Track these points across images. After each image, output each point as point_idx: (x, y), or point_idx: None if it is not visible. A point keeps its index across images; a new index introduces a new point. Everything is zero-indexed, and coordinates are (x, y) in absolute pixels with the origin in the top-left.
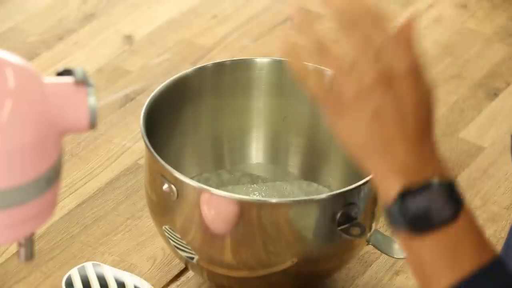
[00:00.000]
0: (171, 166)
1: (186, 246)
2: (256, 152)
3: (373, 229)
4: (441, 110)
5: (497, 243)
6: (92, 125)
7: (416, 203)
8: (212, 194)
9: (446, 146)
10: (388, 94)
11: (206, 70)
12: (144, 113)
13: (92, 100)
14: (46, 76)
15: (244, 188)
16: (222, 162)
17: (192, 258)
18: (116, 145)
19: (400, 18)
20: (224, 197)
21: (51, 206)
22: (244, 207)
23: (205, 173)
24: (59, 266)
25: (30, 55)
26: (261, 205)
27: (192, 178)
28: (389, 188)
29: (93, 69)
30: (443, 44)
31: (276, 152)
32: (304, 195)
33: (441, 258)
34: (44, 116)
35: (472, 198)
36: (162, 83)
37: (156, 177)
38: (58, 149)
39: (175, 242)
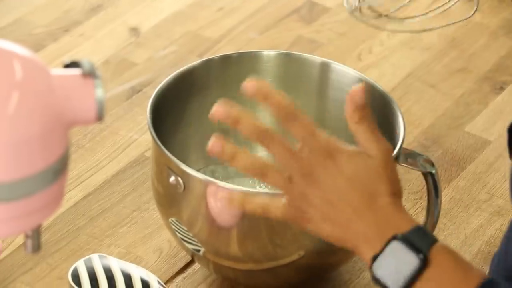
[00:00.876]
0: (178, 158)
1: (193, 239)
2: None
3: None
4: (447, 104)
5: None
6: (100, 117)
7: (384, 265)
8: (218, 186)
9: (452, 139)
10: (317, 186)
11: (213, 62)
12: (151, 105)
13: (99, 92)
14: (53, 68)
15: (250, 181)
16: None
17: (199, 251)
18: (122, 137)
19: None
20: (230, 189)
21: (58, 198)
22: (249, 198)
23: (211, 165)
24: (65, 258)
25: (36, 47)
26: (267, 197)
27: (198, 170)
28: (363, 257)
29: (99, 61)
30: (449, 37)
31: None
32: None
33: None
34: (51, 108)
35: (478, 191)
36: (168, 75)
37: (162, 169)
38: (65, 141)
39: (182, 235)
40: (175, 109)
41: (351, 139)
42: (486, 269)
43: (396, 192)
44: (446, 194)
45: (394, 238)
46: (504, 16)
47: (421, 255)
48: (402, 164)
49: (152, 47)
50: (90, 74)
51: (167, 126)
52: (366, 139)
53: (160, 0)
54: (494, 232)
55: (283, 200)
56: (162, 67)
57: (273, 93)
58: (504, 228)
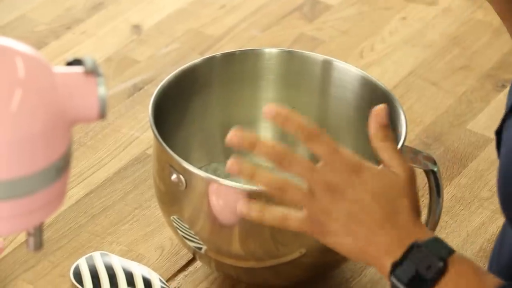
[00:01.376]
0: (180, 156)
1: (194, 236)
2: None
3: None
4: (449, 102)
5: None
6: (102, 114)
7: (406, 270)
8: (220, 184)
9: (454, 137)
10: (341, 201)
11: (215, 60)
12: (153, 102)
13: (102, 90)
14: (55, 66)
15: None
16: (230, 152)
17: (200, 248)
18: (124, 134)
19: None
20: (232, 187)
21: (61, 196)
22: (252, 198)
23: (214, 163)
24: (67, 256)
25: (39, 44)
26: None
27: (200, 168)
28: (383, 269)
29: (101, 58)
30: (451, 35)
31: (284, 143)
32: None
33: None
34: (54, 105)
35: (480, 189)
36: (170, 72)
37: (164, 167)
38: (68, 139)
39: (183, 232)
40: (177, 107)
41: (353, 136)
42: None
43: (417, 210)
44: (447, 192)
45: (415, 245)
46: None
47: (442, 261)
48: None
49: (154, 45)
50: (92, 71)
51: (169, 124)
52: (391, 157)
53: None
54: (496, 230)
55: (302, 213)
56: (164, 65)
57: (292, 116)
58: None
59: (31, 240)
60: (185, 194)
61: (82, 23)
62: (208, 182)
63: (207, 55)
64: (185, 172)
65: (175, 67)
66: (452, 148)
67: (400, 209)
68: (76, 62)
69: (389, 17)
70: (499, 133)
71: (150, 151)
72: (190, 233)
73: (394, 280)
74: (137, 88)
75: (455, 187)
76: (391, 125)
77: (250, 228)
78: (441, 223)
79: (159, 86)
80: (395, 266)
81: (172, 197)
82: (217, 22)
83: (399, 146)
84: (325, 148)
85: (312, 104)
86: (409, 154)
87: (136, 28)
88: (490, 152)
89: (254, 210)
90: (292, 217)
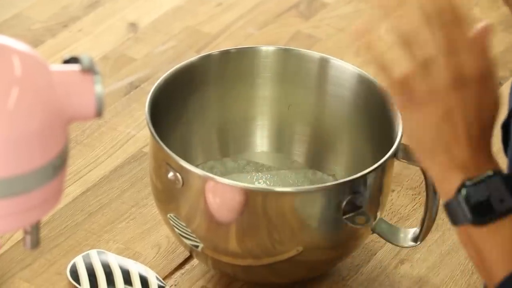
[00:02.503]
0: (176, 154)
1: (191, 234)
2: (261, 141)
3: (378, 218)
4: None
5: None
6: (99, 113)
7: (478, 192)
8: (217, 182)
9: None
10: (459, 96)
11: (211, 58)
12: (149, 100)
13: (99, 88)
14: (52, 64)
15: (249, 177)
16: (227, 150)
17: (197, 246)
18: (120, 132)
19: (477, 23)
20: (229, 185)
21: (58, 194)
22: (249, 196)
23: (210, 161)
24: (64, 254)
25: (35, 43)
26: (266, 193)
27: (197, 166)
28: (450, 183)
29: (97, 56)
30: None
31: (281, 141)
32: (309, 184)
33: (501, 249)
34: (51, 103)
35: None
36: (167, 70)
37: (161, 165)
38: (65, 137)
39: (180, 230)
40: (174, 104)
41: (350, 135)
42: None
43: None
44: None
45: (496, 173)
46: (503, 11)
47: None
48: (401, 160)
49: (150, 43)
50: (89, 69)
51: (166, 121)
52: None
53: None
54: None
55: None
56: (161, 63)
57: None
58: None
59: (28, 238)
60: (181, 192)
61: (79, 21)
62: (205, 180)
63: (204, 53)
64: (182, 170)
65: (171, 65)
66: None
67: (491, 132)
68: (72, 60)
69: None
70: (505, 126)
71: (147, 149)
72: (187, 231)
73: (461, 198)
74: (133, 86)
75: None
76: (388, 121)
77: (247, 226)
78: (438, 220)
79: (155, 84)
80: (466, 185)
81: (169, 195)
82: (213, 20)
83: (396, 144)
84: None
85: (309, 102)
86: (406, 152)
87: (133, 26)
88: None
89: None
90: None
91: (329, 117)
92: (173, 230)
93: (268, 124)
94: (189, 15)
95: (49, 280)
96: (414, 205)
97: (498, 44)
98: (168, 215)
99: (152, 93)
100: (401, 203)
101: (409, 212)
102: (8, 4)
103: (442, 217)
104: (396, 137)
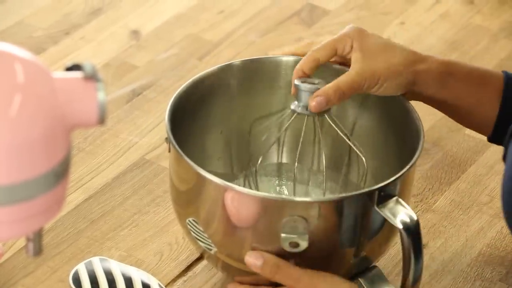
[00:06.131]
0: (196, 160)
1: (207, 239)
2: (281, 152)
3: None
4: None
5: (504, 239)
6: (101, 120)
7: None
8: (235, 191)
9: (453, 142)
10: None
11: (233, 67)
12: (170, 107)
13: (101, 95)
14: (54, 71)
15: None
16: (248, 161)
17: (210, 250)
18: (123, 140)
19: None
20: (247, 194)
21: (60, 201)
22: (266, 205)
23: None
24: (66, 261)
25: (37, 50)
26: (283, 202)
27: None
28: None
29: (99, 64)
30: (449, 39)
31: (303, 153)
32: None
33: None
34: (53, 111)
35: (479, 194)
36: (169, 78)
37: (182, 171)
38: (67, 144)
39: (196, 234)
40: (195, 112)
41: (373, 142)
42: (487, 272)
43: None
44: (446, 197)
45: None
46: (504, 18)
47: None
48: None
49: (152, 50)
50: (92, 77)
51: (184, 129)
52: None
53: (161, 3)
54: (495, 235)
55: None
56: (163, 70)
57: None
58: (505, 231)
59: (31, 245)
60: (201, 198)
61: (81, 28)
62: (224, 189)
63: (206, 60)
64: (200, 177)
65: (173, 72)
66: (451, 153)
67: None
68: (75, 67)
69: (387, 22)
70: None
71: (149, 157)
72: (203, 235)
73: None
74: (136, 93)
75: (453, 191)
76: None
77: (262, 236)
78: (440, 228)
79: (177, 91)
80: None
81: (188, 200)
82: (215, 27)
83: (417, 154)
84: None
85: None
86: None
87: (135, 33)
88: (489, 157)
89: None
90: None
91: (353, 126)
92: (189, 233)
93: (289, 133)
94: (191, 23)
95: (52, 287)
96: (417, 212)
97: (500, 51)
98: (187, 220)
99: (174, 99)
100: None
101: None
102: (10, 11)
103: (444, 224)
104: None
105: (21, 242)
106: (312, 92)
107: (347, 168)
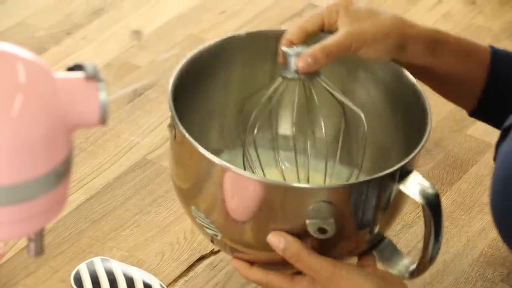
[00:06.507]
0: (197, 137)
1: (211, 225)
2: (285, 124)
3: (386, 239)
4: (449, 107)
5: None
6: (103, 120)
7: None
8: (234, 173)
9: (454, 142)
10: None
11: (236, 39)
12: (172, 84)
13: (103, 95)
14: (55, 71)
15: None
16: (250, 132)
17: (216, 235)
18: (124, 140)
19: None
20: (246, 177)
21: (62, 201)
22: (269, 188)
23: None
24: (68, 261)
25: (38, 50)
26: (285, 188)
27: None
28: None
29: (101, 64)
30: None
31: (304, 124)
32: (329, 176)
33: None
34: (55, 111)
35: (481, 194)
36: (170, 78)
37: (185, 154)
38: (69, 144)
39: (201, 221)
40: (196, 86)
41: (378, 124)
42: (488, 272)
43: None
44: (448, 197)
45: None
46: (506, 19)
47: None
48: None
49: (154, 50)
50: (93, 77)
51: (187, 104)
52: None
53: (163, 3)
54: (497, 235)
55: None
56: (164, 70)
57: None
58: None
59: (32, 246)
60: (202, 183)
61: (82, 28)
62: (224, 170)
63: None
64: (203, 159)
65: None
66: (453, 154)
67: None
68: (77, 67)
69: None
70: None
71: (150, 157)
72: (206, 222)
73: None
74: (137, 93)
75: (455, 192)
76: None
77: (263, 221)
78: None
79: (178, 67)
80: None
81: (191, 187)
82: (217, 27)
83: (425, 138)
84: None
85: (337, 86)
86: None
87: (136, 33)
88: (490, 157)
89: None
90: None
91: (357, 104)
92: (195, 221)
93: (283, 104)
94: (193, 23)
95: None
96: (418, 212)
97: None
98: (191, 207)
99: (175, 77)
100: (406, 209)
101: (413, 219)
102: (11, 11)
103: (446, 224)
104: (425, 131)
105: (23, 242)
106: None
107: (344, 135)
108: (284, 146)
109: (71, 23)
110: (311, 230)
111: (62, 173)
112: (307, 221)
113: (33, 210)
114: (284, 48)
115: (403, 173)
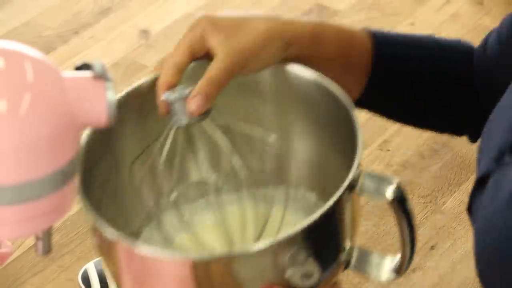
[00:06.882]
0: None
1: None
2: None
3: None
4: None
5: None
6: (111, 119)
7: None
8: (136, 251)
9: (462, 143)
10: None
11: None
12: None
13: (110, 95)
14: (63, 70)
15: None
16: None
17: None
18: None
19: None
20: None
21: (69, 200)
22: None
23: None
24: (75, 260)
25: (46, 49)
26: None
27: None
28: None
29: (109, 63)
30: None
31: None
32: (293, 203)
33: None
34: (63, 110)
35: None
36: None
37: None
38: (76, 143)
39: None
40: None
41: (313, 145)
42: None
43: None
44: (456, 198)
45: None
46: None
47: None
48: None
49: (162, 50)
50: (101, 76)
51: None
52: None
53: (170, 3)
54: None
55: None
56: None
57: None
58: None
59: (40, 244)
60: (112, 257)
61: (90, 28)
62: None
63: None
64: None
65: None
66: (461, 154)
67: None
68: (84, 66)
69: (397, 22)
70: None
71: None
72: None
73: None
74: None
75: (463, 192)
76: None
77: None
78: (449, 229)
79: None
80: None
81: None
82: None
83: (350, 176)
84: None
85: (268, 112)
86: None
87: (144, 33)
88: None
89: None
90: None
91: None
92: None
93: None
94: None
95: (61, 286)
96: (426, 213)
97: None
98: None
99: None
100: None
101: (420, 220)
102: (19, 11)
103: (453, 225)
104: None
105: (30, 241)
106: (185, 98)
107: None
108: (205, 193)
109: (79, 22)
110: (295, 279)
111: (69, 173)
112: (288, 271)
113: (40, 209)
114: (164, 97)
115: (357, 177)
